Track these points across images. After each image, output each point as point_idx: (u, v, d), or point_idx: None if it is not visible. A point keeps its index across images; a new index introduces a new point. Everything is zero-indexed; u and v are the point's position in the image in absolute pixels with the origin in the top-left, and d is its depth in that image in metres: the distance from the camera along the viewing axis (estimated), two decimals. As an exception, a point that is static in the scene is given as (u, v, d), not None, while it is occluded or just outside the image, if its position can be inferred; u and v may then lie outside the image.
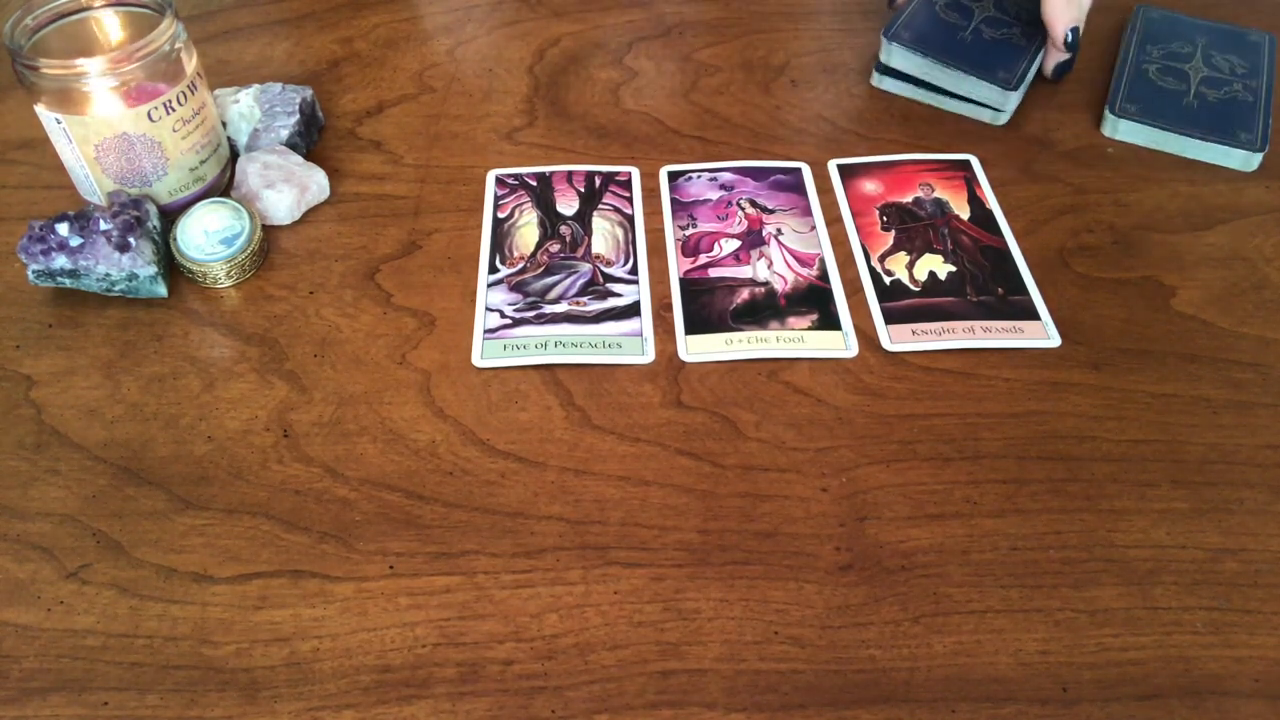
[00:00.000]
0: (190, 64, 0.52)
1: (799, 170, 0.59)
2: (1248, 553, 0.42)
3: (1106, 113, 0.60)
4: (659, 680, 0.38)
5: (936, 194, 0.57)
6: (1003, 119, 0.61)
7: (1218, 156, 0.59)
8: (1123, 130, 0.60)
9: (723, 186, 0.58)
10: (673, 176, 0.59)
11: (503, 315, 0.51)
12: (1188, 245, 0.54)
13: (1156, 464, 0.45)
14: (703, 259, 0.54)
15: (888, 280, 0.52)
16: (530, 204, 0.57)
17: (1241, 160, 0.58)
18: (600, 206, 0.57)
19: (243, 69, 0.67)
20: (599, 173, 0.59)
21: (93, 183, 0.53)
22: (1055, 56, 0.63)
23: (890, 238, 0.55)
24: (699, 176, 0.58)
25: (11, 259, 0.54)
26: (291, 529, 0.43)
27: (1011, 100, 0.61)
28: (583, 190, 0.58)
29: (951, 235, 0.55)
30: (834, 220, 0.56)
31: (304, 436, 0.46)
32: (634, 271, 0.53)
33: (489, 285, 0.52)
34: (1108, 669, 0.38)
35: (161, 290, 0.52)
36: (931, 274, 0.53)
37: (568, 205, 0.57)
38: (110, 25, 0.54)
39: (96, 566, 0.42)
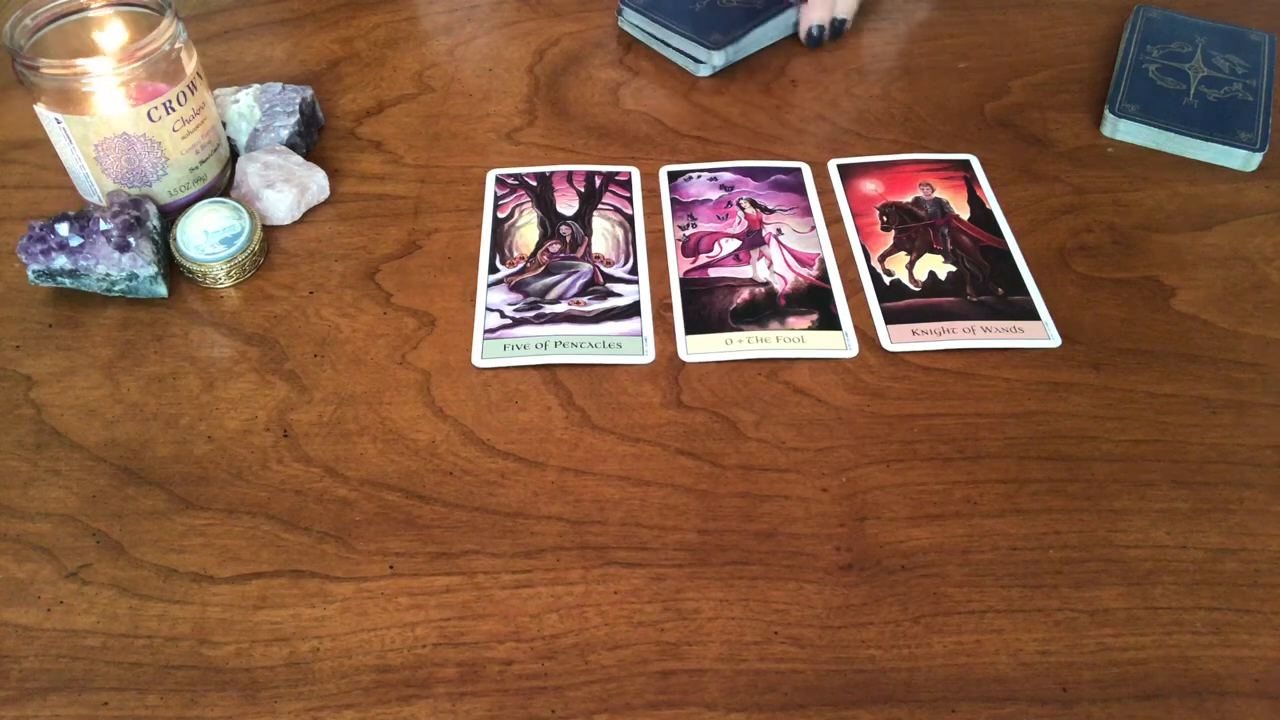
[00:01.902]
0: (190, 64, 0.52)
1: (799, 170, 0.59)
2: (1248, 553, 0.42)
3: (1106, 113, 0.60)
4: (659, 680, 0.38)
5: (936, 194, 0.57)
6: (705, 71, 0.65)
7: (1218, 156, 0.59)
8: (1123, 130, 0.60)
9: (723, 186, 0.58)
10: (673, 176, 0.59)
11: (503, 315, 0.51)
12: (1188, 245, 0.54)
13: (1156, 464, 0.45)
14: (703, 259, 0.54)
15: (888, 280, 0.52)
16: (530, 204, 0.57)
17: (1242, 160, 0.58)
18: (600, 206, 0.57)
19: (243, 69, 0.67)
20: (599, 173, 0.59)
21: (93, 183, 0.53)
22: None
23: (890, 238, 0.55)
24: (699, 176, 0.58)
25: (11, 259, 0.54)
26: (291, 529, 0.43)
27: (716, 56, 0.64)
28: (583, 190, 0.58)
29: (951, 235, 0.55)
30: (834, 220, 0.56)
31: (304, 436, 0.46)
32: (634, 271, 0.53)
33: (489, 285, 0.52)
34: (1108, 669, 0.38)
35: (161, 290, 0.52)
36: (931, 274, 0.53)
37: (568, 205, 0.57)
38: (110, 25, 0.54)
39: (96, 566, 0.42)
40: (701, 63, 0.65)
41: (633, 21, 0.68)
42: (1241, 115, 0.60)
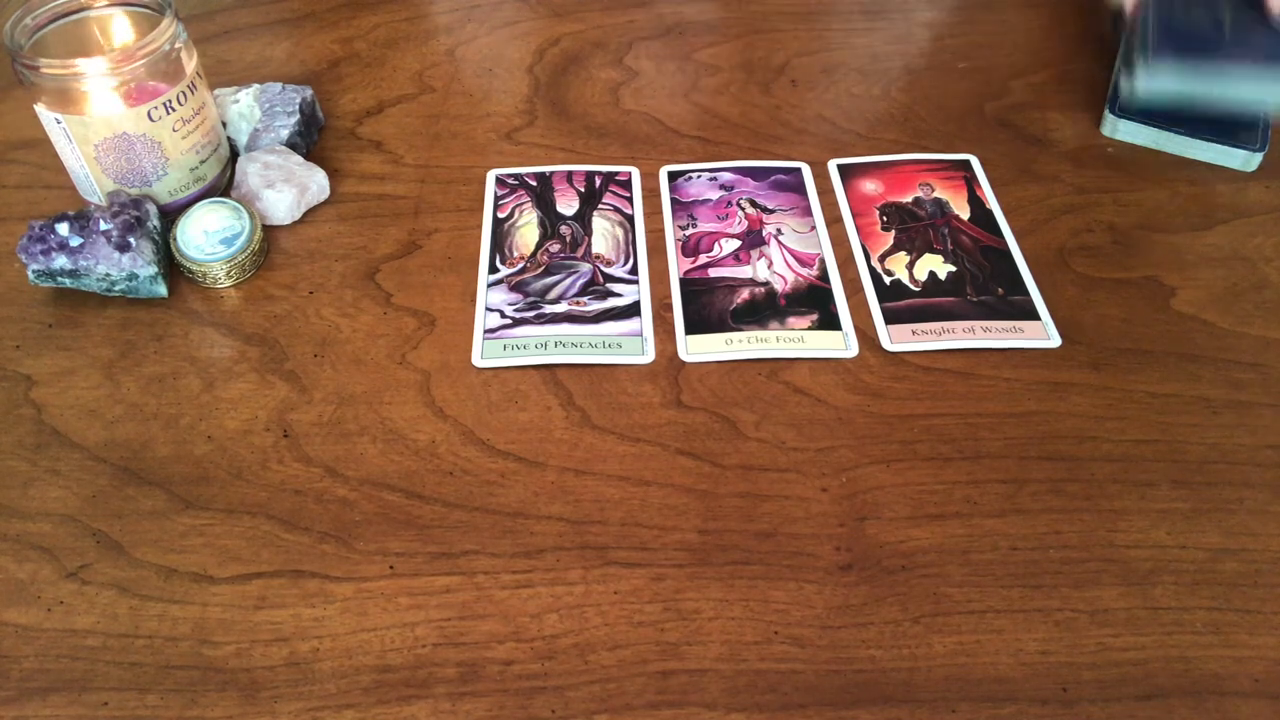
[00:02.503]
0: (190, 64, 0.52)
1: (799, 170, 0.59)
2: (1248, 553, 0.42)
3: (1106, 113, 0.60)
4: (659, 680, 0.38)
5: (936, 194, 0.57)
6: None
7: (1218, 156, 0.58)
8: (1123, 130, 0.60)
9: (723, 186, 0.58)
10: (673, 176, 0.59)
11: (503, 315, 0.51)
12: (1188, 245, 0.54)
13: (1156, 464, 0.45)
14: (703, 259, 0.54)
15: (888, 280, 0.52)
16: (530, 204, 0.57)
17: (1242, 160, 0.58)
18: (600, 206, 0.57)
19: (243, 69, 0.67)
20: (599, 173, 0.59)
21: (93, 183, 0.53)
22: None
23: (890, 238, 0.55)
24: (699, 176, 0.59)
25: (11, 259, 0.54)
26: (291, 529, 0.43)
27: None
28: (583, 190, 0.58)
29: (951, 235, 0.55)
30: (834, 220, 0.56)
31: (304, 436, 0.46)
32: (634, 271, 0.53)
33: (489, 285, 0.52)
34: (1108, 669, 0.38)
35: (161, 290, 0.52)
36: (931, 274, 0.53)
37: (568, 205, 0.57)
38: (110, 25, 0.54)
39: (96, 566, 0.42)
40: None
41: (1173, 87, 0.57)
42: (1241, 116, 0.60)
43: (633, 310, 0.51)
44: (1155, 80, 0.56)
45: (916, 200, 0.57)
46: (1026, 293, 0.52)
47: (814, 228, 0.55)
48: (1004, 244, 0.54)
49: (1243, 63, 0.55)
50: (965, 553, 0.42)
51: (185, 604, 0.40)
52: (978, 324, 0.50)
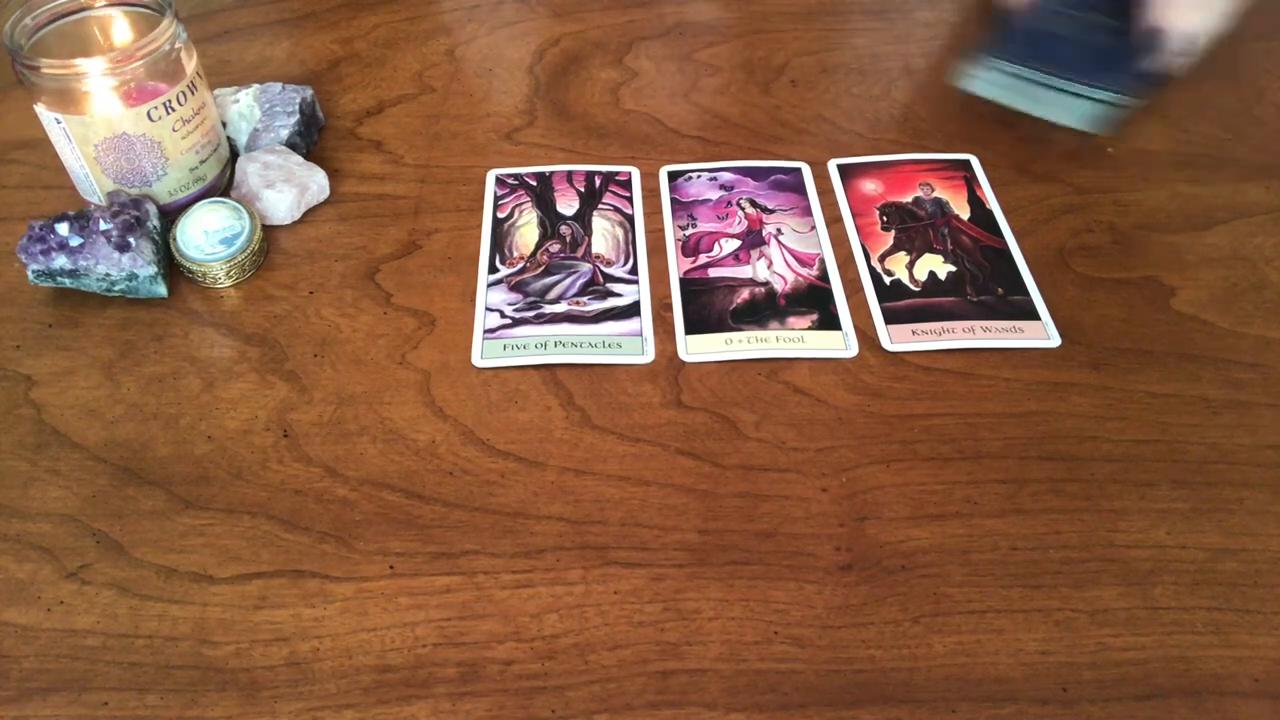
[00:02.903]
0: (190, 64, 0.52)
1: (799, 170, 0.59)
2: (1248, 553, 0.42)
3: (961, 67, 0.60)
4: (659, 680, 0.38)
5: (936, 194, 0.57)
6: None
7: (1063, 114, 0.58)
8: (979, 86, 0.59)
9: (723, 186, 0.58)
10: (673, 176, 0.59)
11: (503, 315, 0.51)
12: (1188, 245, 0.54)
13: (1156, 464, 0.45)
14: (703, 259, 0.54)
15: (888, 280, 0.52)
16: (530, 204, 0.57)
17: (1086, 117, 0.57)
18: (600, 206, 0.57)
19: (243, 69, 0.67)
20: (599, 173, 0.59)
21: (93, 183, 0.53)
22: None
23: (890, 238, 0.55)
24: (699, 176, 0.58)
25: (11, 259, 0.54)
26: (291, 529, 0.43)
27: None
28: (583, 190, 0.58)
29: (951, 235, 0.55)
30: (834, 220, 0.56)
31: (304, 436, 0.46)
32: (634, 271, 0.53)
33: (489, 285, 0.52)
34: (1108, 669, 0.38)
35: (161, 290, 0.52)
36: (931, 274, 0.53)
37: (568, 205, 0.57)
38: (110, 25, 0.54)
39: (96, 566, 0.42)
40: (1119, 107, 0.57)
41: (1006, 73, 0.58)
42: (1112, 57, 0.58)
43: (633, 310, 0.51)
44: (986, 73, 0.59)
45: (916, 200, 0.57)
46: (1026, 293, 0.52)
47: (814, 228, 0.55)
48: (1004, 244, 0.54)
49: (1064, 77, 0.57)
50: (965, 553, 0.42)
51: (185, 604, 0.40)
52: (978, 324, 0.50)
